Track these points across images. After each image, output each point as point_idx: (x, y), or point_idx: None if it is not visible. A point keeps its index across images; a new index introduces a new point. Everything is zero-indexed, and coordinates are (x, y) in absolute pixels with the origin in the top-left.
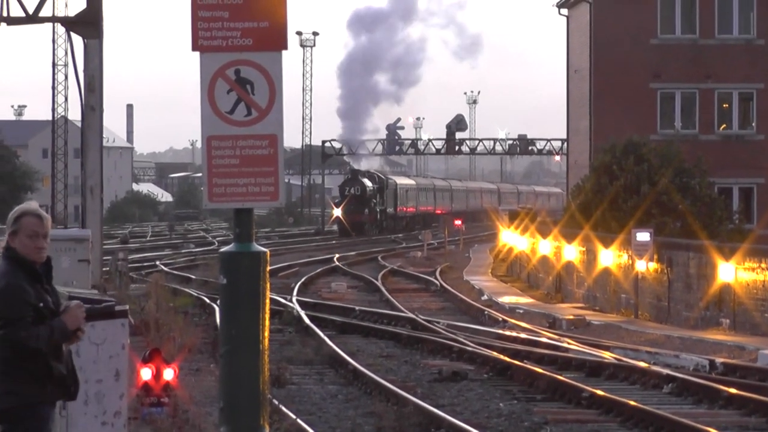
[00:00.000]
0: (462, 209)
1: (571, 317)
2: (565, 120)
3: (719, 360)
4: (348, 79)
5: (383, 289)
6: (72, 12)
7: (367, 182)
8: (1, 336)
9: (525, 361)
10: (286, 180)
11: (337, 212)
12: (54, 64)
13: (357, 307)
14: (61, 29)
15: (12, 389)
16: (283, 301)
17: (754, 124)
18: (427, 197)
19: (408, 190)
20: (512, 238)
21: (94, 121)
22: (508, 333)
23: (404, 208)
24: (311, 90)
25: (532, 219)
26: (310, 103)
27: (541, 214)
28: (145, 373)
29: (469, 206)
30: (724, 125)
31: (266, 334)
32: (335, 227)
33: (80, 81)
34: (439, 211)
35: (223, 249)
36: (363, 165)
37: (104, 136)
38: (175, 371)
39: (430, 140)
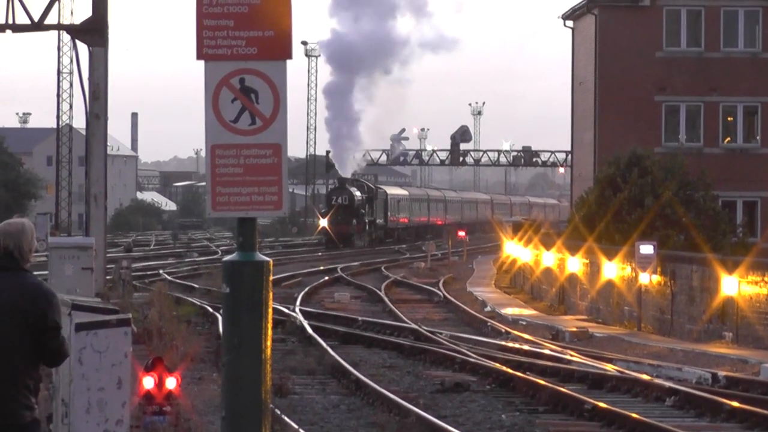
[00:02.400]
0: (457, 220)
1: (574, 329)
2: (570, 132)
3: (722, 373)
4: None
5: (386, 299)
6: (78, 20)
7: (356, 191)
8: (61, 342)
9: (527, 372)
10: (290, 190)
11: (323, 223)
12: (59, 72)
13: (360, 318)
14: (66, 37)
15: (28, 404)
16: (286, 310)
17: (758, 138)
18: (420, 208)
19: (400, 201)
20: (516, 250)
21: (98, 129)
22: (510, 344)
23: (396, 219)
24: (316, 100)
25: (536, 230)
26: (315, 113)
27: (545, 225)
28: (148, 382)
29: (464, 217)
30: (729, 138)
31: (269, 343)
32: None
33: (85, 89)
34: (440, 222)
35: (226, 258)
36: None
37: (109, 144)
38: (177, 380)
39: (434, 151)
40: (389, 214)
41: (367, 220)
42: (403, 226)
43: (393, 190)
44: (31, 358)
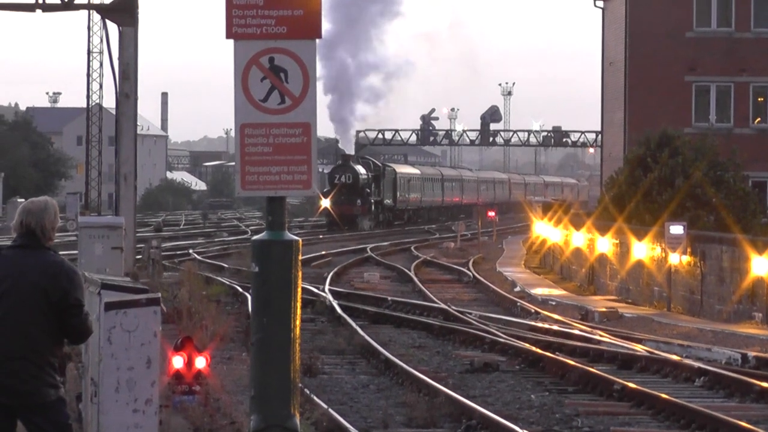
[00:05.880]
0: (473, 200)
1: (604, 309)
2: (600, 112)
3: (752, 353)
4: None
5: (416, 279)
6: None
7: (361, 169)
8: (84, 319)
9: (557, 353)
10: (320, 170)
11: (325, 203)
12: (89, 52)
13: (389, 298)
14: (96, 16)
15: (53, 382)
16: (315, 290)
17: None
18: (433, 187)
19: (410, 180)
20: (545, 230)
21: (128, 108)
22: (540, 325)
23: (405, 199)
24: None
25: (566, 211)
26: None
27: (574, 206)
28: (177, 361)
29: (480, 197)
30: (759, 119)
31: (298, 322)
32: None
33: (115, 68)
34: (467, 202)
35: (255, 237)
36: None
37: (138, 123)
38: (206, 359)
39: (464, 131)
40: (398, 194)
41: (373, 200)
42: (415, 206)
43: (402, 169)
44: (54, 336)
